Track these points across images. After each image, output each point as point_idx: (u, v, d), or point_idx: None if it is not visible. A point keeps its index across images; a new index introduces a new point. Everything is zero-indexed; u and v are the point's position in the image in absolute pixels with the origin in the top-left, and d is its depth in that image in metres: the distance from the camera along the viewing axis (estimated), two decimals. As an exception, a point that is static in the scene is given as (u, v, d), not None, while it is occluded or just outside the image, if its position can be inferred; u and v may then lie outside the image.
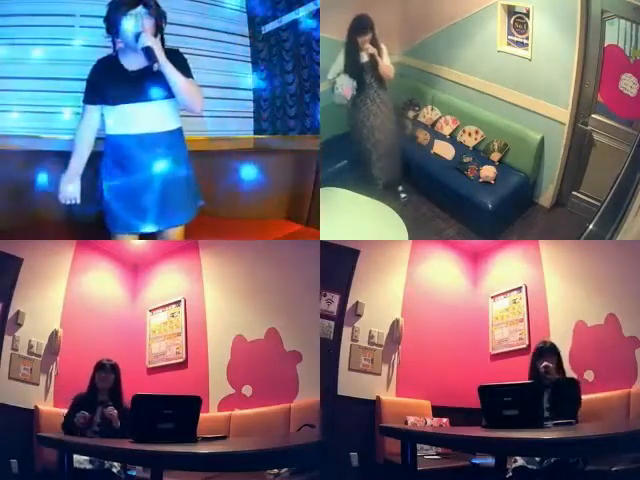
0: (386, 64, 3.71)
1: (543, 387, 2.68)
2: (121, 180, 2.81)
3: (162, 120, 2.81)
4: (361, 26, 3.61)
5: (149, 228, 2.90)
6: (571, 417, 2.51)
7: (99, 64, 2.81)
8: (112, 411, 2.82)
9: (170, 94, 2.75)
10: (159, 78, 2.70)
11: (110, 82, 2.75)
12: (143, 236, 2.97)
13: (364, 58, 3.69)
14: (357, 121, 3.86)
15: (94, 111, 2.81)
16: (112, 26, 2.72)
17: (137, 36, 2.65)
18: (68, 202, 2.84)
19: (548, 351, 2.79)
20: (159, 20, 2.75)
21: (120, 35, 2.71)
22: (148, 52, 2.64)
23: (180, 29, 3.97)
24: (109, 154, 2.84)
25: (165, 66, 2.67)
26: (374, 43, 3.65)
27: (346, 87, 3.68)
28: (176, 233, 2.99)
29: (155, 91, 2.74)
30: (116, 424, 2.81)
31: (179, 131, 2.90)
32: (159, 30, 2.76)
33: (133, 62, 2.75)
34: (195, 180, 3.01)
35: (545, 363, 2.74)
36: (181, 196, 2.92)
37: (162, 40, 2.78)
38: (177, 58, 2.76)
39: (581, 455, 2.39)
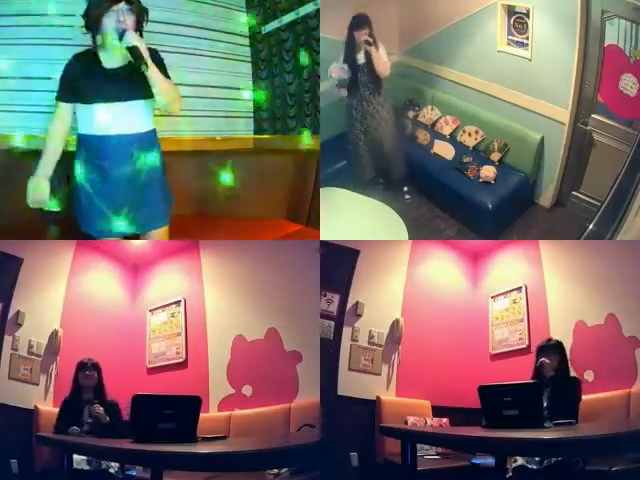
0: (382, 59, 3.70)
1: (542, 385, 2.68)
2: (94, 181, 2.73)
3: (138, 121, 2.73)
4: (358, 22, 3.64)
5: (125, 231, 2.82)
6: (570, 416, 2.51)
7: (75, 60, 2.70)
8: (98, 409, 2.84)
9: (147, 95, 2.67)
10: (137, 77, 2.62)
11: (86, 80, 2.65)
12: (128, 237, 2.92)
13: (361, 60, 3.70)
14: (354, 122, 3.87)
15: (67, 109, 2.72)
16: (92, 22, 2.60)
17: (121, 34, 2.55)
18: (37, 206, 2.72)
19: (549, 348, 2.78)
20: (140, 17, 2.66)
21: (100, 32, 2.61)
22: (133, 51, 2.55)
23: (180, 29, 3.99)
24: (82, 154, 2.75)
25: (151, 67, 2.59)
26: (372, 38, 3.65)
27: (334, 68, 3.69)
28: (157, 235, 2.94)
29: (133, 91, 2.66)
30: (104, 420, 2.83)
31: (153, 132, 2.83)
32: (139, 27, 2.67)
33: (111, 60, 2.67)
34: (166, 181, 2.93)
35: (542, 359, 2.74)
36: (157, 198, 2.84)
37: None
38: (155, 58, 2.68)
39: (581, 455, 2.39)
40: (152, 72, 2.61)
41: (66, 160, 2.80)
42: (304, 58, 3.95)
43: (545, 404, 2.62)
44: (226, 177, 3.81)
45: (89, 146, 2.72)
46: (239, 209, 3.76)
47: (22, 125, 3.68)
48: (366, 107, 3.81)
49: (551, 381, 2.70)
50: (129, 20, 2.58)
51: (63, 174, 2.86)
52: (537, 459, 2.50)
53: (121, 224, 2.79)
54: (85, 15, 2.63)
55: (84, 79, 2.66)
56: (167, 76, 2.73)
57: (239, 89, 4.38)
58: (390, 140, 3.96)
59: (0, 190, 3.31)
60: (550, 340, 2.85)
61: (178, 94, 2.76)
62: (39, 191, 2.69)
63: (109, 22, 2.57)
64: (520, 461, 2.54)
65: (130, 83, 2.65)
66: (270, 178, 3.90)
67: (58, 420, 2.87)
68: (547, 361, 2.73)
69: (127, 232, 2.85)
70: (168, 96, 2.69)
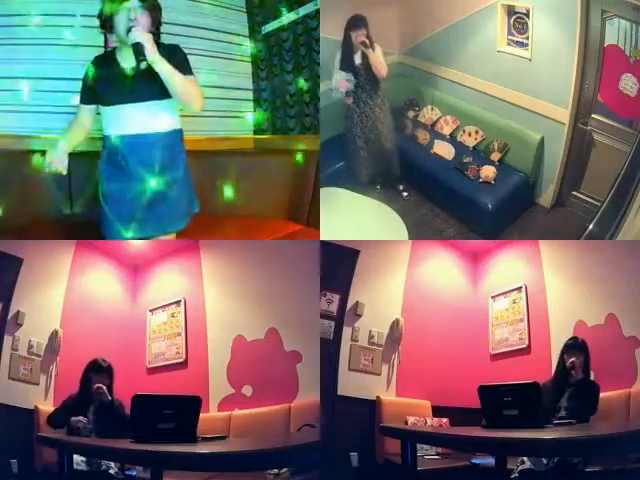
0: (378, 59, 3.68)
1: (567, 383, 2.69)
2: (117, 183, 2.69)
3: (160, 120, 2.68)
4: (355, 23, 3.62)
5: (142, 234, 2.77)
6: (585, 420, 2.52)
7: (95, 62, 2.70)
8: (100, 388, 2.85)
9: (169, 94, 2.61)
10: (157, 77, 2.56)
11: (106, 81, 2.64)
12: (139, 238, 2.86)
13: (358, 60, 3.68)
14: (351, 123, 3.86)
15: (88, 111, 2.74)
16: (105, 21, 2.59)
17: (128, 31, 2.50)
18: (53, 169, 2.58)
19: (575, 347, 2.76)
20: (155, 15, 2.62)
21: (114, 30, 2.59)
22: (137, 48, 2.49)
23: (180, 29, 3.98)
24: (106, 155, 2.73)
25: (157, 64, 2.51)
26: (369, 39, 3.63)
27: (340, 81, 3.67)
28: (167, 237, 2.88)
29: (154, 91, 2.60)
30: (106, 398, 2.85)
31: (178, 132, 2.78)
32: (155, 25, 2.63)
33: (129, 60, 2.61)
34: (192, 185, 2.89)
35: (572, 359, 2.72)
36: (176, 201, 2.78)
37: (158, 35, 2.66)
38: (176, 54, 2.64)
39: (581, 455, 2.39)
40: (162, 70, 2.54)
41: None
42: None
43: (565, 404, 2.63)
44: (226, 177, 3.82)
45: (112, 146, 2.69)
46: (239, 209, 3.76)
47: (25, 126, 3.69)
48: (363, 108, 3.79)
49: (574, 383, 2.69)
50: (142, 18, 2.54)
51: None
52: (544, 462, 2.49)
53: (139, 228, 2.73)
54: (99, 14, 2.62)
55: (104, 81, 2.64)
56: (189, 73, 2.67)
57: (239, 89, 4.38)
58: (388, 141, 3.94)
59: (4, 190, 3.31)
60: (577, 339, 2.81)
61: (198, 92, 2.68)
62: (59, 154, 2.60)
63: (121, 21, 2.54)
64: (527, 464, 2.53)
65: (151, 83, 2.59)
66: (270, 178, 3.90)
67: (59, 409, 2.87)
68: (578, 362, 2.71)
69: (145, 235, 2.79)
70: (185, 94, 2.62)
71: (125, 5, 2.53)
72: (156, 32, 2.65)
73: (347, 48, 3.69)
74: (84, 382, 2.92)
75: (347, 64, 3.70)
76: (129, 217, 2.71)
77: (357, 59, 3.69)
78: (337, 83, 3.69)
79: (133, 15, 2.52)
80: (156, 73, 2.55)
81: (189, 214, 2.89)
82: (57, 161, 2.58)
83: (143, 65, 2.52)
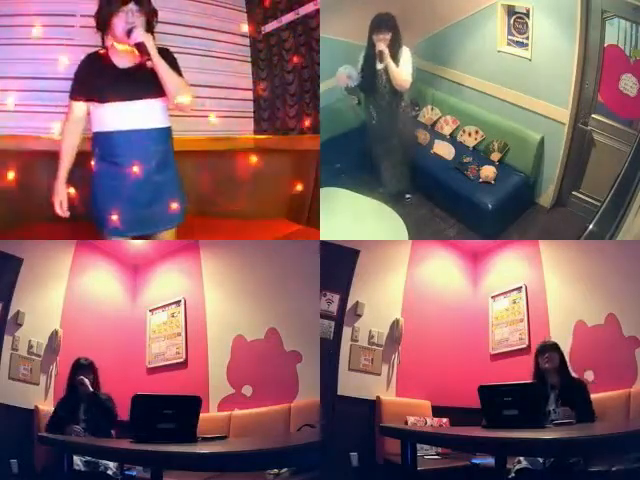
0: (397, 72, 3.53)
1: (548, 386, 2.69)
2: (114, 180, 2.74)
3: (152, 117, 2.75)
4: (377, 24, 3.50)
5: (139, 231, 2.83)
6: (585, 419, 2.52)
7: (88, 59, 2.75)
8: (81, 380, 2.89)
9: (160, 93, 2.70)
10: (150, 76, 2.66)
11: (99, 79, 2.69)
12: (135, 237, 2.93)
13: (380, 65, 3.57)
14: (369, 127, 3.83)
15: (81, 108, 2.74)
16: (103, 22, 2.67)
17: (129, 32, 2.60)
18: (61, 214, 2.75)
19: (549, 349, 2.77)
20: (150, 17, 2.71)
21: (111, 31, 2.67)
22: (141, 48, 2.60)
23: (180, 29, 3.98)
24: (97, 152, 2.77)
25: (159, 63, 2.63)
26: (393, 44, 3.52)
27: (340, 75, 3.64)
28: (167, 235, 2.93)
29: (146, 89, 2.69)
30: (87, 389, 2.88)
31: (168, 130, 2.85)
32: (150, 28, 2.72)
33: (124, 59, 2.71)
34: (181, 181, 2.93)
35: (547, 354, 2.73)
36: (170, 196, 2.84)
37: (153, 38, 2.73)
38: (167, 57, 2.71)
39: (581, 455, 2.39)
40: (162, 69, 2.64)
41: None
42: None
43: (554, 407, 2.64)
44: (226, 177, 3.82)
45: (103, 144, 2.74)
46: (239, 209, 3.76)
47: (29, 126, 3.68)
48: (381, 116, 3.73)
49: (558, 384, 2.69)
50: (138, 20, 2.63)
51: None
52: (540, 461, 2.49)
53: (136, 225, 2.79)
54: (96, 15, 2.69)
55: (97, 78, 2.69)
56: (180, 75, 2.76)
57: (239, 89, 4.38)
58: (403, 146, 3.88)
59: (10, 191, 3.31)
60: (547, 341, 2.85)
61: (189, 92, 2.75)
62: (61, 193, 2.74)
63: (118, 22, 2.63)
64: (524, 463, 2.53)
65: (143, 82, 2.68)
66: (270, 178, 3.90)
67: (52, 418, 2.88)
68: (552, 364, 2.71)
69: (141, 233, 2.85)
70: (179, 94, 2.69)
71: (124, 8, 2.61)
72: (152, 35, 2.72)
73: (369, 53, 3.57)
74: (70, 381, 2.96)
75: (368, 70, 3.60)
76: (127, 216, 2.75)
77: (379, 64, 3.57)
78: (337, 77, 3.65)
79: (131, 18, 2.61)
80: (149, 72, 2.65)
81: (183, 209, 2.92)
82: (64, 208, 2.73)
83: (149, 64, 2.62)
